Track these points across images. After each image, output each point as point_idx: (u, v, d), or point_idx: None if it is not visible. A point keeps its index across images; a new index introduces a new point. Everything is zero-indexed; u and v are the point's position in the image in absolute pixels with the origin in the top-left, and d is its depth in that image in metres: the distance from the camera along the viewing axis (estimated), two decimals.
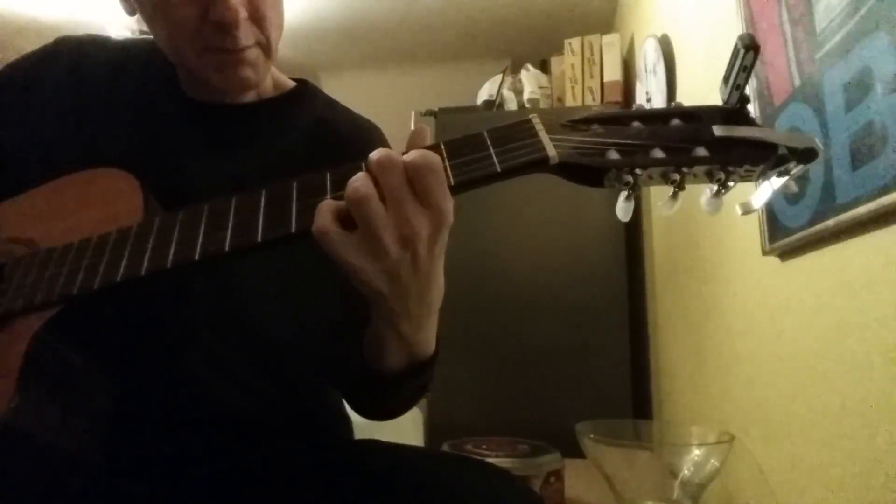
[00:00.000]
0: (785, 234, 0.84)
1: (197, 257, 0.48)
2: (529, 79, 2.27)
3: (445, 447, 1.22)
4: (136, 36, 2.36)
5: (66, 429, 0.53)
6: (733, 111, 0.49)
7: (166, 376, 0.61)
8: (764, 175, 0.47)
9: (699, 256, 1.34)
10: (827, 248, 0.76)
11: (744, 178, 0.48)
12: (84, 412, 0.55)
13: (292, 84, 0.78)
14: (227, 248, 0.48)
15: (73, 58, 0.71)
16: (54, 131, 0.67)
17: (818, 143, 0.46)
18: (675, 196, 0.48)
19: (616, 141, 0.47)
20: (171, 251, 0.49)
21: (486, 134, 0.49)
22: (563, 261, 1.90)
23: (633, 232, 1.96)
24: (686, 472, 0.90)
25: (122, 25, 2.37)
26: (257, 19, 0.61)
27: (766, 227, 0.91)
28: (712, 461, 0.89)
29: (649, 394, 1.84)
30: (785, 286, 0.89)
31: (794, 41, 0.81)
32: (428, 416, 1.86)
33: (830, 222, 0.71)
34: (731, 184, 0.47)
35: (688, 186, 0.48)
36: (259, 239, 0.47)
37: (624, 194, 0.49)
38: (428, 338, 0.55)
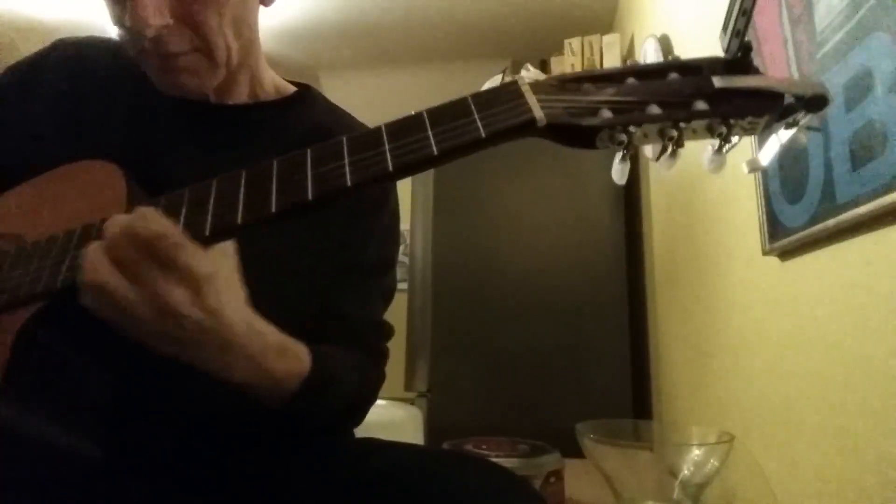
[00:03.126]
0: (785, 234, 0.84)
1: None
2: (529, 79, 2.27)
3: (445, 447, 1.21)
4: None
5: (60, 423, 0.52)
6: (735, 61, 0.46)
7: (165, 371, 0.61)
8: (770, 128, 0.44)
9: (699, 256, 1.34)
10: (827, 248, 0.76)
11: (748, 132, 0.45)
12: (78, 407, 0.54)
13: (293, 89, 0.77)
14: (207, 233, 0.46)
15: (71, 59, 0.71)
16: (50, 132, 0.67)
17: (828, 88, 0.42)
18: (673, 154, 0.45)
19: (609, 99, 0.45)
20: None
21: (470, 99, 0.47)
22: (563, 261, 1.90)
23: (634, 232, 1.96)
24: (686, 472, 0.89)
25: None
26: (192, 25, 0.59)
27: (766, 227, 0.91)
28: (712, 461, 0.89)
29: (649, 394, 1.83)
30: (785, 286, 0.89)
31: (794, 41, 0.81)
32: (428, 416, 1.86)
33: (830, 222, 0.71)
34: (734, 138, 0.44)
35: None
36: (239, 221, 0.46)
37: (619, 155, 0.47)
38: (275, 373, 0.54)
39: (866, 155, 0.63)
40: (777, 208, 0.87)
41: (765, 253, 0.92)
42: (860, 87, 0.64)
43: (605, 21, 2.52)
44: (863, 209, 0.64)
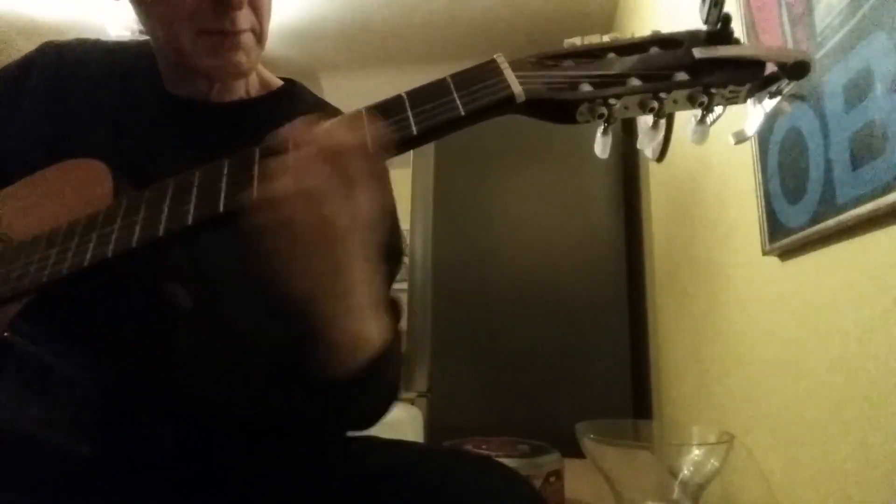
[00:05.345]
0: (785, 234, 0.84)
1: (161, 233, 0.47)
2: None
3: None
4: (136, 36, 2.36)
5: (49, 420, 0.52)
6: (715, 32, 0.46)
7: (155, 368, 0.60)
8: (753, 96, 0.45)
9: (699, 256, 1.34)
10: (827, 248, 0.76)
11: (730, 101, 0.45)
12: (67, 403, 0.54)
13: (279, 83, 0.77)
14: (189, 222, 0.46)
15: (57, 62, 0.71)
16: (37, 135, 0.67)
17: (811, 55, 0.43)
18: (655, 126, 0.46)
19: (589, 73, 0.45)
20: (137, 230, 0.48)
21: (449, 79, 0.47)
22: (563, 260, 1.90)
23: (634, 232, 1.96)
24: (686, 472, 0.89)
25: (122, 26, 2.37)
26: (254, 5, 0.63)
27: (766, 227, 0.91)
28: (712, 461, 0.89)
29: (649, 394, 1.83)
30: (785, 286, 0.89)
31: (793, 41, 0.81)
32: (428, 416, 1.86)
33: (830, 222, 0.71)
34: (717, 109, 0.45)
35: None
36: (221, 209, 0.46)
37: (600, 129, 0.47)
38: (369, 333, 0.53)
39: (866, 155, 0.63)
40: (777, 208, 0.87)
41: (765, 253, 0.92)
42: (860, 87, 0.64)
43: (605, 21, 2.52)
44: (863, 209, 0.64)
